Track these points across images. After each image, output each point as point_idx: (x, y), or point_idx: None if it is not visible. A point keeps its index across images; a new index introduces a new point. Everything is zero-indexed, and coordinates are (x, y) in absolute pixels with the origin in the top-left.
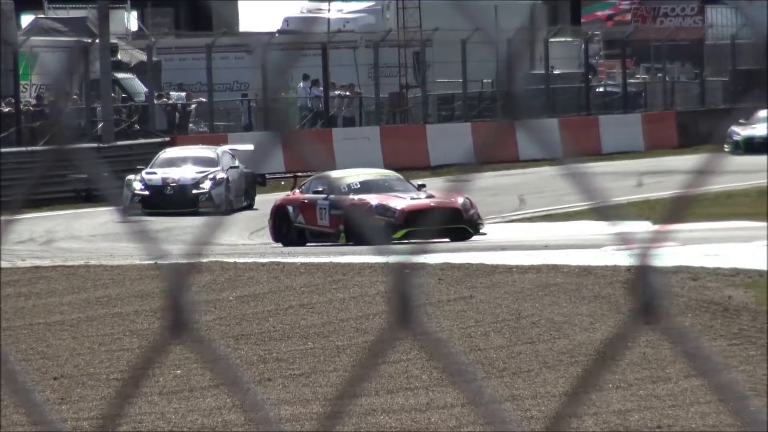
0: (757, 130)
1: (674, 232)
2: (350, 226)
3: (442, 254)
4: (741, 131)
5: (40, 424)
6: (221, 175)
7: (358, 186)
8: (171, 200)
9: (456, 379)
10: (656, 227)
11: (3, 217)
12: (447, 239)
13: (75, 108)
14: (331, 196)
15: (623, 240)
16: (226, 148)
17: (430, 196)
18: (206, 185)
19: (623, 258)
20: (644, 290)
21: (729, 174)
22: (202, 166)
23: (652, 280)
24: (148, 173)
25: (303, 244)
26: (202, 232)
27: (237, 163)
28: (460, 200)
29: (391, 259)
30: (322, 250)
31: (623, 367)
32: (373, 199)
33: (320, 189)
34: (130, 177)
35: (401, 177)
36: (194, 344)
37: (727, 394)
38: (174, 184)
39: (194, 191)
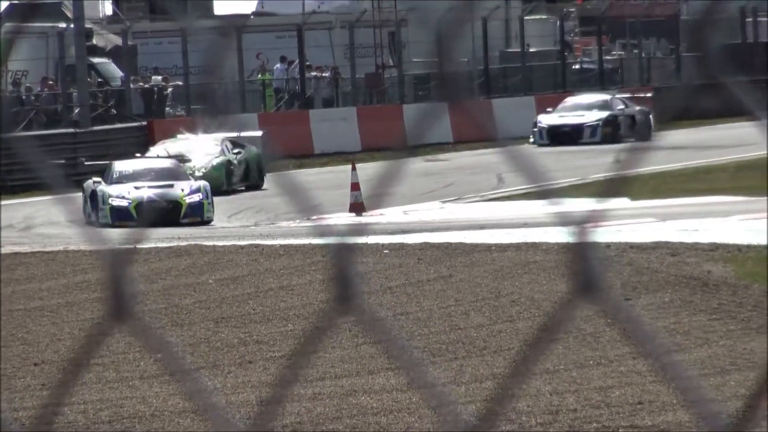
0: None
1: (611, 210)
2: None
3: (421, 234)
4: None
5: None
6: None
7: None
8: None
9: (397, 361)
10: (594, 204)
11: None
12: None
13: (51, 93)
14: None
15: (562, 218)
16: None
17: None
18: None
19: (599, 234)
20: (583, 267)
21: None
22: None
23: (592, 257)
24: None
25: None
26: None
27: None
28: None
29: (331, 240)
30: (300, 231)
31: (603, 344)
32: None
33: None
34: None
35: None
36: (138, 332)
37: (673, 374)
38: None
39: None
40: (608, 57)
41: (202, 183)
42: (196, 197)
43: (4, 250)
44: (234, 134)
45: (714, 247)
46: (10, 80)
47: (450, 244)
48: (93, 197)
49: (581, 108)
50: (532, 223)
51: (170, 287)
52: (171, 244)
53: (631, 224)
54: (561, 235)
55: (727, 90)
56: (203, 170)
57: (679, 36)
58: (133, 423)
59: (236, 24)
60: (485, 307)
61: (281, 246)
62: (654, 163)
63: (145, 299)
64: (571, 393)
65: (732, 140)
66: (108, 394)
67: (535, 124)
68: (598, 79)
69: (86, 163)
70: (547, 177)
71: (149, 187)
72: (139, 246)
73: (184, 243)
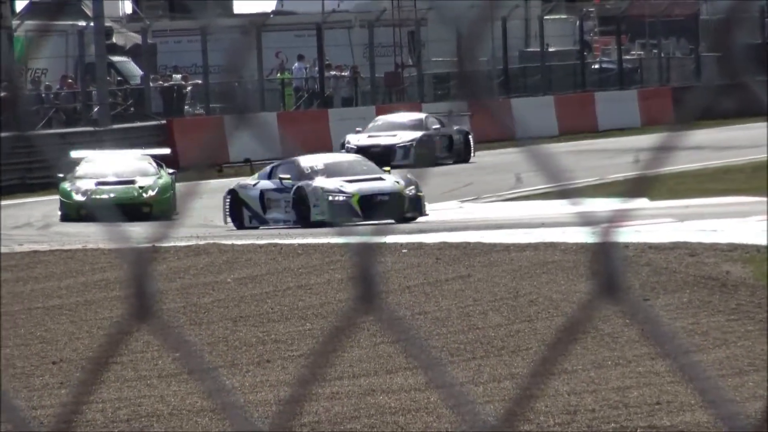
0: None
1: (635, 210)
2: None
3: (440, 234)
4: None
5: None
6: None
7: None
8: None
9: (417, 361)
10: (618, 205)
11: None
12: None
13: (70, 91)
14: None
15: (584, 218)
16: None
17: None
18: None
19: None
20: (606, 268)
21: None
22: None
23: (612, 257)
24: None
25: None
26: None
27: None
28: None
29: (353, 240)
30: (322, 231)
31: (622, 345)
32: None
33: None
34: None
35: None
36: (159, 330)
37: (692, 374)
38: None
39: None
40: (628, 57)
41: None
42: (412, 190)
43: (23, 249)
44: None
45: (733, 248)
46: (30, 78)
47: (468, 243)
48: (258, 198)
49: (394, 127)
50: (550, 223)
51: (189, 286)
52: (189, 243)
53: (649, 224)
54: (579, 235)
55: (747, 90)
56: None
57: (699, 36)
58: (152, 422)
59: (256, 23)
60: (503, 306)
61: (300, 245)
62: (673, 164)
63: (164, 298)
64: (589, 393)
65: (750, 141)
66: (126, 393)
67: (343, 144)
68: (618, 79)
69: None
70: (566, 177)
71: (358, 180)
72: (159, 244)
73: (202, 242)
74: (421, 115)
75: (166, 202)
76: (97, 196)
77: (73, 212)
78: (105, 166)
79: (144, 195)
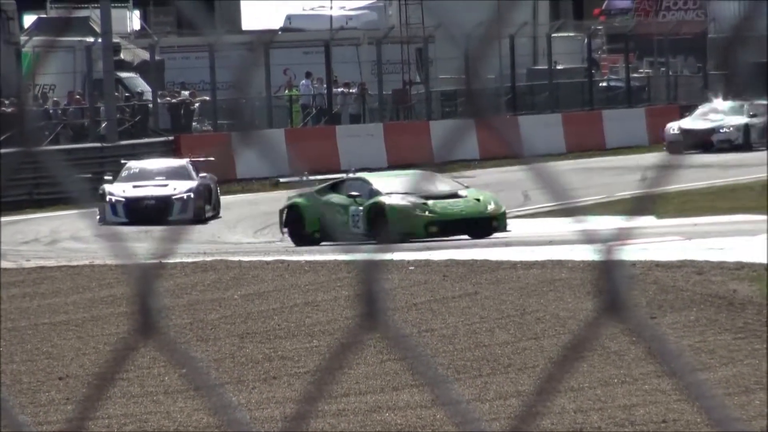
0: (143, 189)
1: (642, 228)
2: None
3: (447, 251)
4: (118, 191)
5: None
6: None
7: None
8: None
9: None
10: (620, 222)
11: None
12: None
13: (78, 107)
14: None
15: (589, 236)
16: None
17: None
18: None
19: (626, 253)
20: (609, 286)
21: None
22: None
23: (618, 275)
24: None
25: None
26: (168, 236)
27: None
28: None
29: (358, 257)
30: (327, 248)
31: (628, 362)
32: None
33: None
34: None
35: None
36: (163, 347)
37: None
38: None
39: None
40: (635, 75)
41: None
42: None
43: (30, 264)
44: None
45: (740, 266)
46: (38, 94)
47: (475, 261)
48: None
49: (156, 175)
50: (557, 240)
51: (195, 302)
52: (196, 259)
53: (656, 242)
54: (586, 253)
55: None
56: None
57: (707, 54)
58: None
59: (264, 39)
60: (510, 324)
61: (306, 262)
62: (679, 182)
63: (171, 314)
64: (595, 411)
65: (758, 159)
66: (132, 409)
67: (104, 195)
68: (626, 97)
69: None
70: (573, 194)
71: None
72: (165, 261)
73: (209, 258)
74: (182, 162)
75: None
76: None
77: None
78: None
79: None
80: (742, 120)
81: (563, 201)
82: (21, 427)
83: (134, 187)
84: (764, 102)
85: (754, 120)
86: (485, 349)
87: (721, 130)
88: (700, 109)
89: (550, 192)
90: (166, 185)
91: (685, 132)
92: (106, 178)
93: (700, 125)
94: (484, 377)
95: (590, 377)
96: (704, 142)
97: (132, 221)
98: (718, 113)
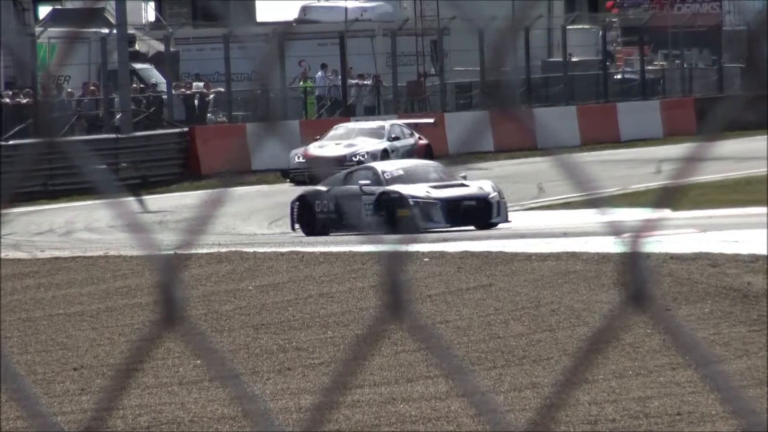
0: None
1: (664, 220)
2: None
3: (462, 242)
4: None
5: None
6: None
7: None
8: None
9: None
10: (646, 215)
11: None
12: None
13: (93, 98)
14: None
15: (613, 228)
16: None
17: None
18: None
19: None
20: (634, 278)
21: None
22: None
23: (642, 267)
24: None
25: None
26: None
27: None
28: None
29: (382, 248)
30: (342, 239)
31: (643, 354)
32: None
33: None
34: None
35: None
36: (186, 337)
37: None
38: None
39: None
40: (650, 67)
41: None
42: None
43: (45, 255)
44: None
45: (754, 259)
46: (53, 85)
47: (490, 252)
48: None
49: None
50: (572, 232)
51: (210, 293)
52: (211, 251)
53: (671, 235)
54: (602, 245)
55: None
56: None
57: (722, 47)
58: (172, 429)
59: (279, 31)
60: (525, 316)
61: (321, 253)
62: (695, 174)
63: (186, 305)
64: (610, 403)
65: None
66: (147, 400)
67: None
68: (640, 89)
69: None
70: (593, 186)
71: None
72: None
73: (224, 249)
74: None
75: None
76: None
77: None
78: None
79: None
80: (380, 145)
81: (584, 192)
82: (40, 417)
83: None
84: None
85: (396, 144)
86: (500, 341)
87: (354, 158)
88: (333, 132)
89: (573, 183)
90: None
91: (311, 159)
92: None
93: (331, 152)
94: (498, 369)
95: (605, 369)
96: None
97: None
98: (353, 137)
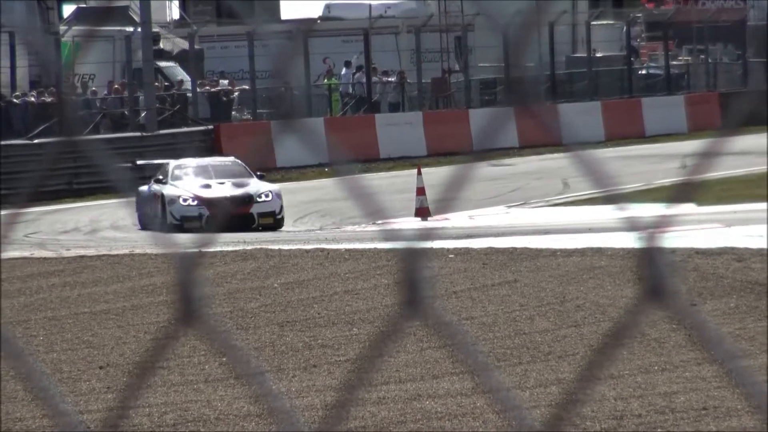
0: None
1: (682, 215)
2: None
3: (487, 239)
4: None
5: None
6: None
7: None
8: None
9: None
10: (663, 210)
11: (6, 211)
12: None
13: (117, 96)
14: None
15: (631, 223)
16: None
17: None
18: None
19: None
20: (652, 272)
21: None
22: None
23: (660, 262)
24: None
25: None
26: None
27: None
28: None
29: (399, 244)
30: (366, 235)
31: (668, 350)
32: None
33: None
34: None
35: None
36: (206, 335)
37: (741, 378)
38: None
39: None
40: (675, 62)
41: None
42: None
43: (71, 254)
44: None
45: None
46: (78, 83)
47: (515, 248)
48: None
49: None
50: (597, 228)
51: (235, 291)
52: (237, 248)
53: (696, 230)
54: (626, 240)
55: None
56: None
57: (746, 41)
58: (198, 426)
59: (303, 28)
60: (550, 312)
61: (346, 250)
62: (720, 169)
63: (211, 303)
64: (635, 398)
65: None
66: (173, 398)
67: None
68: (665, 85)
69: None
70: (614, 182)
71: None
72: (206, 249)
73: (249, 247)
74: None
75: None
76: None
77: None
78: None
79: None
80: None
81: (605, 188)
82: (63, 416)
83: None
84: None
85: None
86: (525, 337)
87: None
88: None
89: (591, 179)
90: None
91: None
92: None
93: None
94: (524, 365)
95: (630, 365)
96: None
97: None
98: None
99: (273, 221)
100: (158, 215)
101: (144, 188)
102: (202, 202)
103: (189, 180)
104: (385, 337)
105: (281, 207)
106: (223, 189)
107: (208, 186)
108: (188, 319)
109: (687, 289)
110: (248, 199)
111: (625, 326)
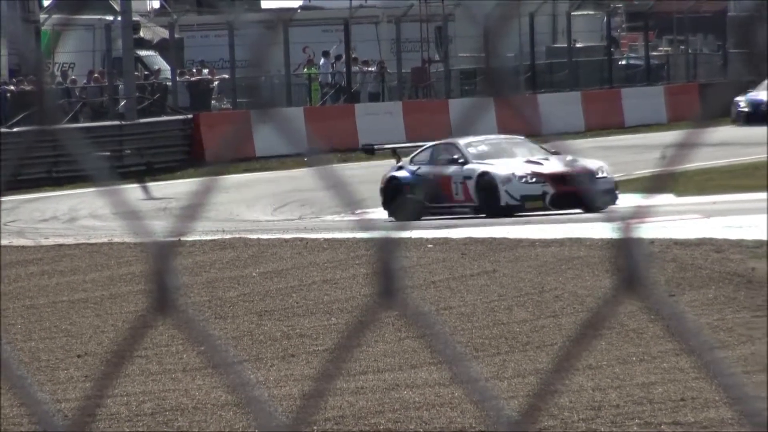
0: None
1: (661, 206)
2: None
3: (465, 229)
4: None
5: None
6: None
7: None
8: None
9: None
10: (639, 201)
11: None
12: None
13: (97, 85)
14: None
15: (608, 214)
16: None
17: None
18: None
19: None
20: (627, 263)
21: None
22: None
23: (635, 252)
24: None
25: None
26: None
27: None
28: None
29: (374, 234)
30: (345, 225)
31: (646, 340)
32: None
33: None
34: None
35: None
36: (181, 324)
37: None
38: None
39: None
40: (655, 53)
41: None
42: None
43: (49, 242)
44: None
45: (759, 244)
46: (58, 72)
47: (494, 239)
48: None
49: None
50: (576, 218)
51: (214, 280)
52: (215, 237)
53: (675, 220)
54: (605, 231)
55: None
56: None
57: (726, 32)
58: (176, 415)
59: (283, 17)
60: (528, 302)
61: (325, 240)
62: (699, 160)
63: (189, 292)
64: (613, 389)
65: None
66: (151, 387)
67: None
68: (645, 75)
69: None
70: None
71: (541, 162)
72: (183, 238)
73: (228, 236)
74: None
75: None
76: None
77: None
78: None
79: None
80: None
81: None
82: (40, 404)
83: None
84: None
85: None
86: (503, 327)
87: None
88: None
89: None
90: None
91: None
92: None
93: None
94: (502, 355)
95: (608, 355)
96: None
97: None
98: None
99: (609, 199)
100: (475, 197)
101: (402, 173)
102: (546, 178)
103: (497, 159)
104: (362, 327)
105: (616, 183)
106: (556, 165)
107: (538, 162)
108: (164, 309)
109: (665, 279)
110: (590, 176)
111: (602, 317)
